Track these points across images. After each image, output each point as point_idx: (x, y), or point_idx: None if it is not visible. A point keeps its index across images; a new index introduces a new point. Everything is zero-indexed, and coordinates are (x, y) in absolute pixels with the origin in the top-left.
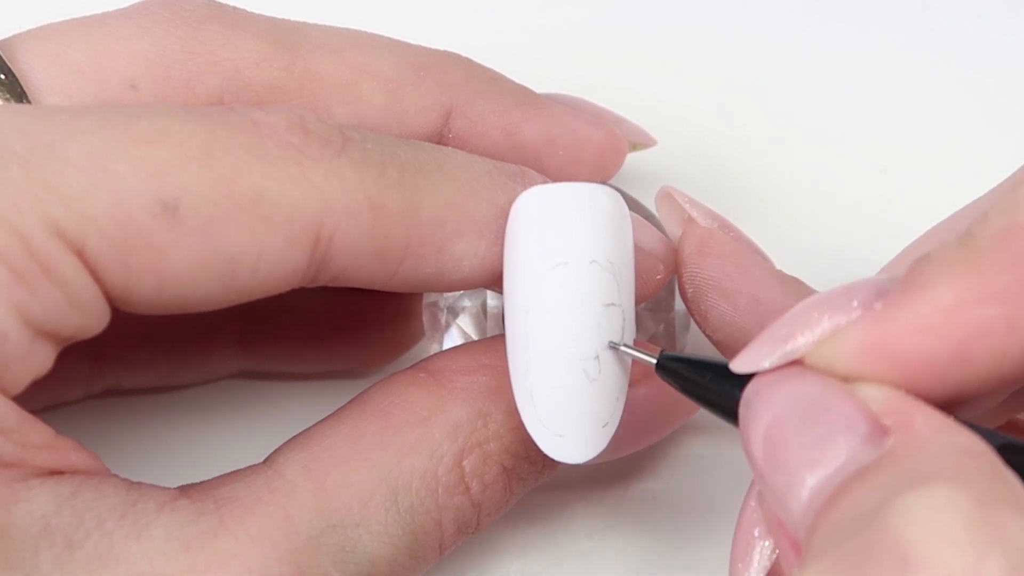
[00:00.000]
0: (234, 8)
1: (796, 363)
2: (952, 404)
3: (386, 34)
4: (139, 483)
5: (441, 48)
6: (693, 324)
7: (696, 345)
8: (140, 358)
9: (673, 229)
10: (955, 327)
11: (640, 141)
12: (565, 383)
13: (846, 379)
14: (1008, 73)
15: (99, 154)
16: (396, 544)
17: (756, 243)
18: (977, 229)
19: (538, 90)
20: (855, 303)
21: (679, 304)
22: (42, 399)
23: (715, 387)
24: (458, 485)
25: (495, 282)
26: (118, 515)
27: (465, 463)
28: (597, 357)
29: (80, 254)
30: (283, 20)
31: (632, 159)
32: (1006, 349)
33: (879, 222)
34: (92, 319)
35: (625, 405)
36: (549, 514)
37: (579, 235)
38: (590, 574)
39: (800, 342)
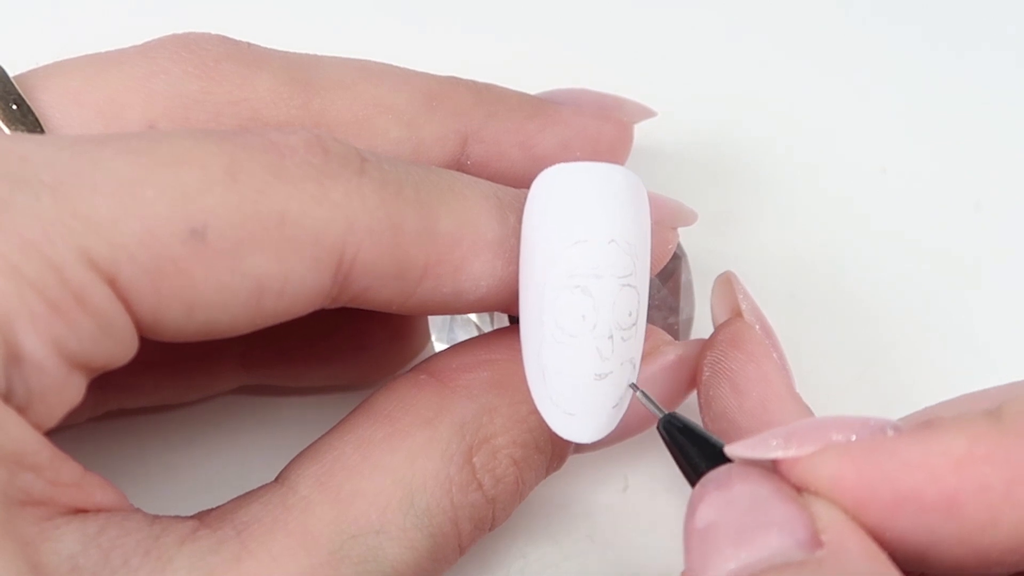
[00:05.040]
0: (249, 45)
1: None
2: (925, 556)
3: (378, 47)
4: (160, 517)
5: (429, 61)
6: (695, 328)
7: None
8: (145, 383)
9: (719, 313)
10: (954, 475)
11: (642, 117)
12: (578, 362)
13: (802, 490)
14: (1009, 73)
15: (126, 181)
16: (416, 548)
17: (788, 362)
18: (1006, 405)
19: (543, 86)
20: (868, 430)
21: (683, 311)
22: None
23: (698, 459)
24: (471, 482)
25: (512, 304)
26: (143, 551)
27: (475, 460)
28: (611, 337)
29: (112, 283)
30: (296, 55)
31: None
32: (996, 515)
33: (879, 222)
34: (123, 348)
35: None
36: (549, 514)
37: (599, 214)
38: (590, 574)
39: (804, 449)
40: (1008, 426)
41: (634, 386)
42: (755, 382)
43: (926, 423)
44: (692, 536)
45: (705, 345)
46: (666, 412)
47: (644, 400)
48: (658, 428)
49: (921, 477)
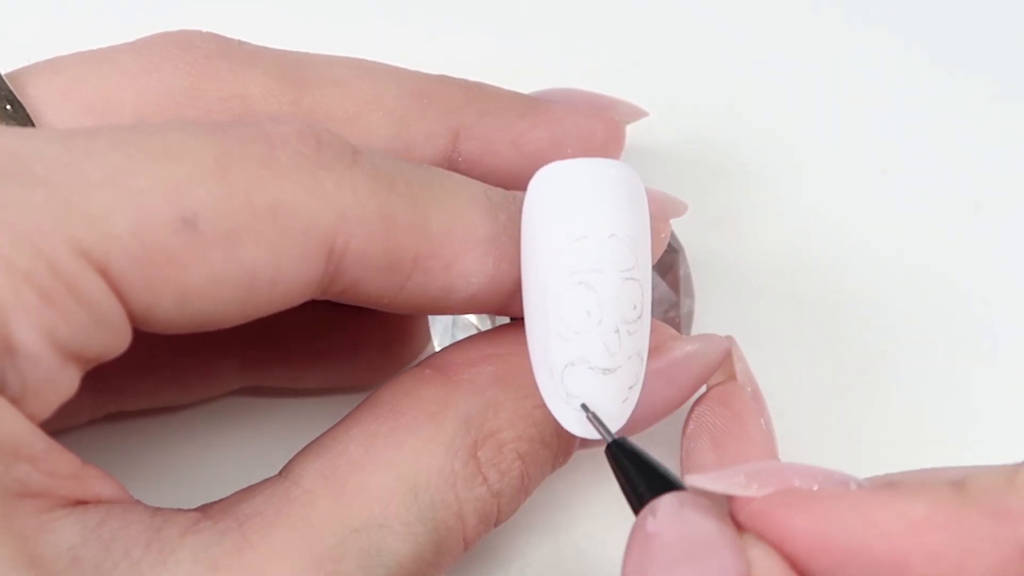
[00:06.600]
0: (240, 43)
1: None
2: None
3: (369, 46)
4: (161, 509)
5: (422, 60)
6: (696, 322)
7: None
8: (144, 385)
9: (717, 374)
10: (909, 538)
11: (634, 118)
12: (586, 357)
13: (744, 530)
14: (1009, 73)
15: (117, 172)
16: (420, 542)
17: (775, 432)
18: (971, 478)
19: (536, 86)
20: (832, 481)
21: (684, 305)
22: (46, 426)
23: (645, 487)
24: (475, 477)
25: (504, 304)
26: (144, 543)
27: (480, 454)
28: (617, 331)
29: (105, 274)
30: (288, 53)
31: (634, 157)
32: None
33: (879, 222)
34: (116, 339)
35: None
36: (548, 514)
37: (598, 209)
38: (590, 574)
39: (764, 490)
40: (970, 499)
41: (584, 407)
42: (736, 439)
43: (890, 483)
44: (629, 566)
45: (695, 402)
46: (615, 436)
47: (594, 422)
48: (606, 453)
49: (875, 534)
